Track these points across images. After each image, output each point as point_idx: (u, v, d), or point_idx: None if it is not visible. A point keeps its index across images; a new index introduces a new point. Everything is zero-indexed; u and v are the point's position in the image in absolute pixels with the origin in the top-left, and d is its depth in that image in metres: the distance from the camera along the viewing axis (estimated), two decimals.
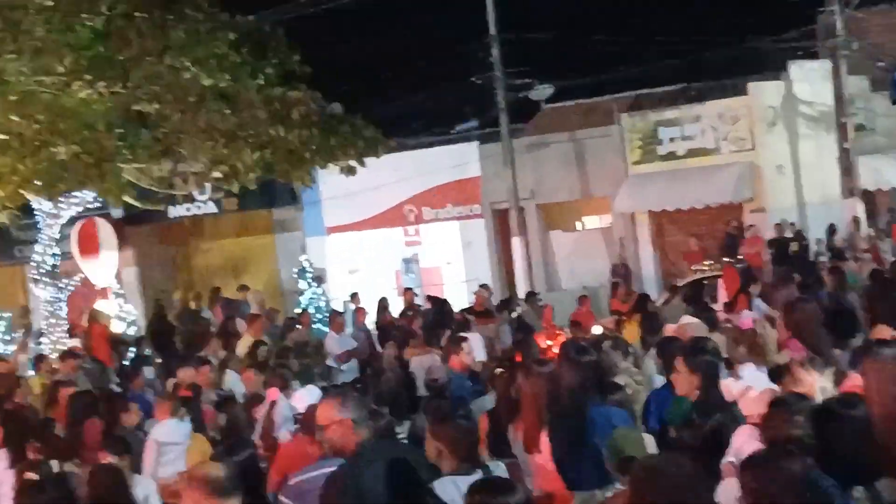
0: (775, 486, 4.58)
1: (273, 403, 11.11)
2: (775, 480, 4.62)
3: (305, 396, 10.36)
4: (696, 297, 17.50)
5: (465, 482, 5.60)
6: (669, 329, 10.46)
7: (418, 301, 23.09)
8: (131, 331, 20.38)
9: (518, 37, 29.28)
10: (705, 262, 24.86)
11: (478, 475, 6.01)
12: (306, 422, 7.81)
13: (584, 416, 6.94)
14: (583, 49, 32.61)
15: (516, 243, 28.94)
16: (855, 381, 6.44)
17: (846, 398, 5.85)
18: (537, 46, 30.90)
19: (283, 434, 10.41)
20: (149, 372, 15.90)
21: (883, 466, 5.26)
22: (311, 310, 21.84)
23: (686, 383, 7.09)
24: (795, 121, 27.44)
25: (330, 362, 17.15)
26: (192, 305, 23.36)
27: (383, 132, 20.27)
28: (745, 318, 12.44)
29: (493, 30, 28.50)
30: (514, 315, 19.29)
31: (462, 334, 13.91)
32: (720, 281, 19.83)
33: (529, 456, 7.35)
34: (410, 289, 25.02)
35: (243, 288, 23.86)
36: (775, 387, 7.06)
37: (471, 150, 30.03)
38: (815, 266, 19.43)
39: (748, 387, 7.39)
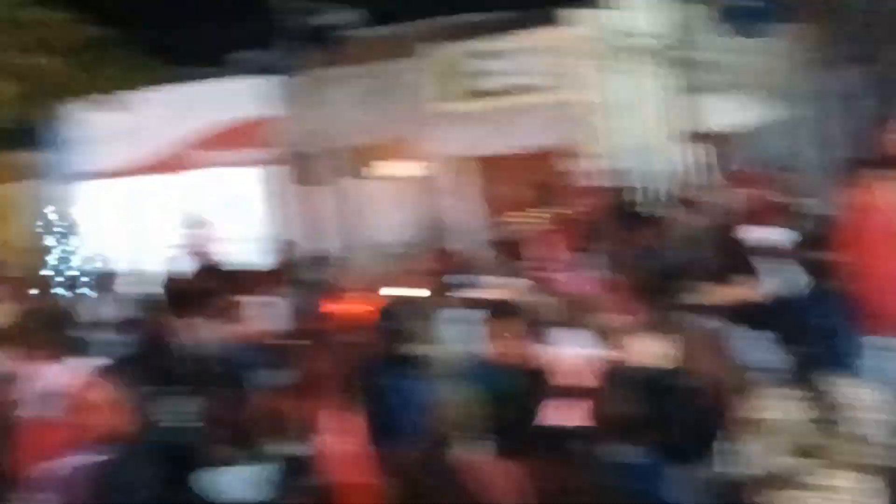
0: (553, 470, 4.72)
1: (25, 378, 10.51)
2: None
3: (65, 371, 10.10)
4: (518, 254, 17.68)
5: (244, 471, 5.59)
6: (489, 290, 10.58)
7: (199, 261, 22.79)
8: None
9: None
10: (527, 214, 25.11)
11: (261, 463, 6.00)
12: (65, 401, 7.71)
13: (390, 390, 7.01)
14: None
15: (318, 192, 29.00)
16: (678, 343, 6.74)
17: (678, 368, 6.10)
18: None
19: (38, 413, 9.84)
20: None
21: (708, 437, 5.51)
22: (64, 269, 21.13)
23: (505, 349, 7.21)
24: (625, 55, 28.01)
25: (91, 333, 16.70)
26: None
27: (159, 60, 19.94)
28: (574, 278, 12.54)
29: None
30: (316, 275, 19.22)
31: (248, 298, 13.82)
32: (546, 235, 20.14)
33: (328, 436, 7.38)
34: (192, 246, 24.59)
35: None
36: (600, 351, 7.24)
37: (265, 84, 29.88)
38: (651, 218, 19.87)
39: (577, 353, 7.56)
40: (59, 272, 20.91)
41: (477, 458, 5.78)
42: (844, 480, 5.96)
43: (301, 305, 15.93)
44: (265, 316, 14.61)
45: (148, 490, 5.77)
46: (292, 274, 19.08)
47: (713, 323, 6.92)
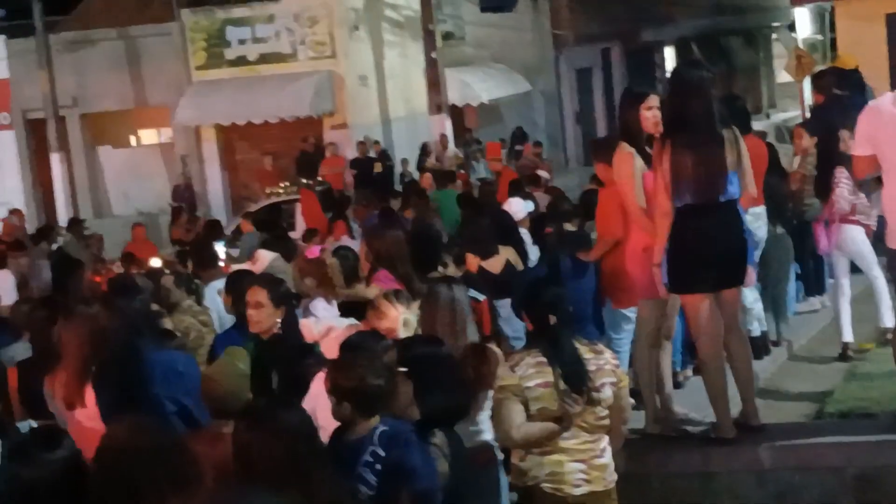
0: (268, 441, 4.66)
1: None
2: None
3: None
4: (272, 224, 17.56)
5: None
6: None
7: None
8: None
9: None
10: (281, 185, 25.06)
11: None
12: None
13: (139, 365, 6.81)
14: None
15: (56, 160, 28.00)
16: None
17: (422, 336, 6.16)
18: None
19: None
20: None
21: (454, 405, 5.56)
22: None
23: (264, 320, 7.11)
24: (380, 26, 28.09)
25: None
26: None
27: None
28: (313, 248, 12.50)
29: None
30: (53, 247, 18.67)
31: None
32: (298, 205, 20.06)
33: (69, 413, 7.15)
34: None
35: None
36: (357, 322, 7.22)
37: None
38: (405, 188, 19.97)
39: (330, 326, 7.51)
40: None
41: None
42: (583, 441, 6.18)
43: (49, 276, 15.41)
44: (10, 287, 14.27)
45: None
46: (40, 243, 18.49)
47: (461, 292, 6.96)
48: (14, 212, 21.81)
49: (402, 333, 6.50)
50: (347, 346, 5.88)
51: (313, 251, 11.64)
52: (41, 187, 28.86)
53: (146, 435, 4.54)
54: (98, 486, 4.45)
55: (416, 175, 23.79)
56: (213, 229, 17.62)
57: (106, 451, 4.51)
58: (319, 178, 24.14)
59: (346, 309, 8.34)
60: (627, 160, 7.41)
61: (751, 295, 9.44)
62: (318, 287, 9.22)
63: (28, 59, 27.59)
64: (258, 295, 7.11)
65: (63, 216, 25.52)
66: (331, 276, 9.34)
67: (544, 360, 6.09)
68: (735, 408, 7.70)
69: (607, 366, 6.24)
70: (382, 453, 5.19)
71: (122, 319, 6.97)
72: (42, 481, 4.39)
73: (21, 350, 8.62)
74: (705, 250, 7.29)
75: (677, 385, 8.54)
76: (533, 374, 6.07)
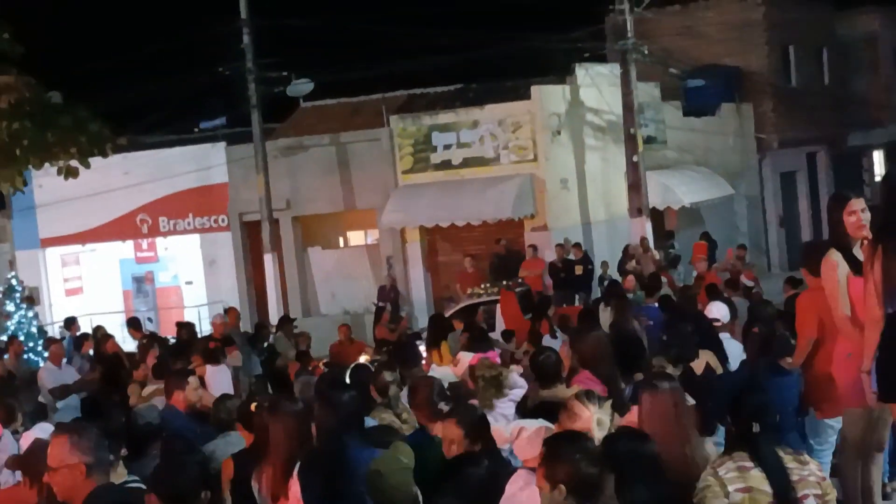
0: None
1: None
2: None
3: (34, 434, 9.87)
4: (471, 325, 17.62)
5: None
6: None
7: (151, 327, 22.60)
8: None
9: (274, 23, 28.95)
10: (481, 285, 25.15)
11: None
12: (28, 462, 7.32)
13: (342, 460, 6.89)
14: (348, 40, 32.48)
15: (269, 261, 28.54)
16: (634, 415, 6.68)
17: (630, 431, 6.06)
18: (295, 35, 30.36)
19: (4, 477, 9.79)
20: None
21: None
22: (21, 336, 20.87)
23: (450, 436, 7.13)
24: (582, 130, 28.08)
25: (43, 398, 16.47)
26: None
27: (113, 127, 19.80)
28: (493, 353, 12.48)
29: (244, 13, 27.91)
30: (265, 344, 19.02)
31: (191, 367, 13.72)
32: (498, 306, 20.11)
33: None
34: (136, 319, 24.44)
35: None
36: (548, 424, 7.14)
37: (217, 151, 29.65)
38: (606, 290, 19.84)
39: (521, 427, 7.46)
40: (20, 338, 20.44)
41: None
42: None
43: (250, 371, 15.71)
44: (215, 383, 14.53)
45: None
46: (239, 340, 18.77)
47: (679, 387, 6.86)
48: (229, 310, 22.30)
49: (597, 433, 6.44)
50: (557, 439, 5.84)
51: (492, 355, 11.68)
52: (255, 286, 29.47)
53: None
54: None
55: (616, 277, 23.59)
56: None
57: None
58: (519, 280, 24.14)
59: (541, 410, 8.30)
60: (833, 266, 7.30)
61: None
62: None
63: (245, 165, 28.35)
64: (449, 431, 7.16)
65: (274, 314, 25.97)
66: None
67: (747, 465, 5.99)
68: None
69: (812, 477, 6.08)
70: None
71: (332, 415, 7.07)
72: None
73: (222, 445, 8.82)
74: None
75: (886, 497, 8.27)
76: (734, 477, 5.96)
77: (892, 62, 40.92)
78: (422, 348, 15.17)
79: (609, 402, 6.84)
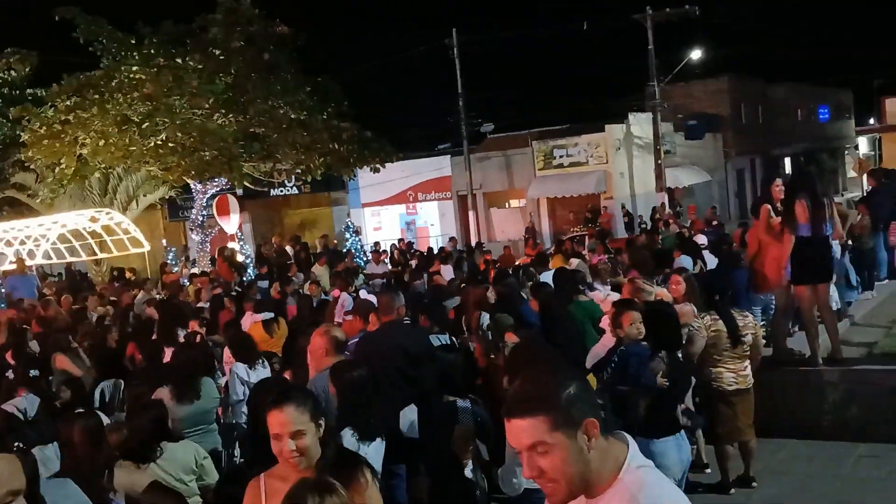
0: None
1: (336, 298, 10.43)
2: None
3: (363, 295, 9.70)
4: (573, 247, 17.36)
5: None
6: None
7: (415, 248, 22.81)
8: (247, 261, 20.03)
9: (475, 93, 28.80)
10: (577, 227, 24.98)
11: None
12: (359, 307, 6.68)
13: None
14: (510, 101, 32.40)
15: (471, 215, 28.59)
16: (663, 294, 6.64)
17: (660, 302, 6.01)
18: (485, 97, 30.65)
19: (342, 319, 9.29)
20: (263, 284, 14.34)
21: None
22: (353, 251, 21.46)
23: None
24: (631, 148, 27.41)
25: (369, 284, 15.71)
26: (281, 246, 22.67)
27: (396, 148, 20.12)
28: (595, 257, 12.15)
29: (460, 89, 27.85)
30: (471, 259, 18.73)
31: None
32: (586, 236, 19.93)
33: None
34: (402, 240, 24.85)
35: (323, 236, 22.65)
36: (617, 295, 7.06)
37: (446, 160, 29.68)
38: (646, 230, 19.31)
39: (608, 295, 7.45)
40: (352, 252, 20.70)
41: None
42: (735, 363, 5.86)
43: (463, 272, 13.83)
44: (447, 274, 13.28)
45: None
46: (456, 254, 17.20)
47: (687, 278, 6.73)
48: (451, 239, 21.73)
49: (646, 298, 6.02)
50: (621, 300, 5.58)
51: (594, 259, 10.95)
52: (464, 227, 29.35)
53: None
54: None
55: (647, 220, 22.93)
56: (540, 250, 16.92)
57: None
58: (598, 225, 23.69)
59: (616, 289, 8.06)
60: (766, 210, 7.10)
61: (833, 289, 8.74)
62: (597, 277, 8.50)
63: (459, 166, 28.28)
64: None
65: (473, 241, 25.83)
66: (605, 271, 8.89)
67: (715, 317, 5.90)
68: (826, 352, 7.20)
69: (750, 324, 5.93)
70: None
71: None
72: None
73: None
74: (812, 261, 6.82)
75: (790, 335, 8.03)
76: (709, 324, 5.90)
77: (796, 113, 39.30)
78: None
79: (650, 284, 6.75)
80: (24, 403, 5.90)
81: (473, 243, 23.96)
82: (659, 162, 26.31)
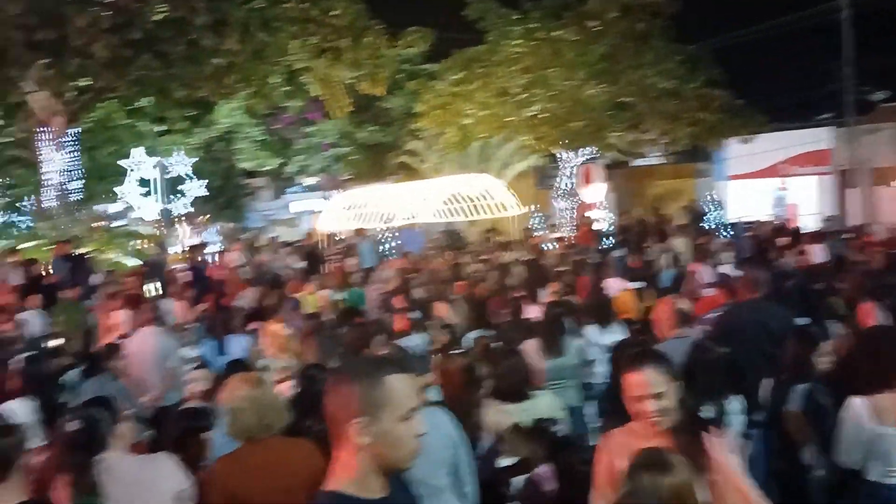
0: None
1: (693, 272, 10.02)
2: None
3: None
4: None
5: None
6: None
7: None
8: (609, 228, 20.03)
9: (863, 57, 25.54)
10: None
11: None
12: (725, 284, 6.53)
13: None
14: None
15: (850, 192, 25.75)
16: None
17: None
18: (879, 64, 26.77)
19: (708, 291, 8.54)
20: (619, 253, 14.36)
21: None
22: (714, 224, 20.44)
23: None
24: None
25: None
26: (641, 216, 22.40)
27: (767, 118, 18.90)
28: None
29: (847, 53, 25.08)
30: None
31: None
32: None
33: None
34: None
35: (685, 207, 21.61)
36: None
37: (824, 132, 26.86)
38: None
39: None
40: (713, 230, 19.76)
41: None
42: None
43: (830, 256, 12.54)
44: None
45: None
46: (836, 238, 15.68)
47: None
48: (829, 217, 19.80)
49: None
50: None
51: None
52: (842, 206, 26.49)
53: None
54: None
55: None
56: None
57: None
58: None
59: None
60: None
61: None
62: None
63: (843, 138, 25.67)
64: None
65: (851, 221, 23.01)
66: None
67: None
68: None
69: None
70: None
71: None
72: None
73: None
74: None
75: None
76: None
77: None
78: None
79: None
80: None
81: (853, 224, 21.41)
82: None
